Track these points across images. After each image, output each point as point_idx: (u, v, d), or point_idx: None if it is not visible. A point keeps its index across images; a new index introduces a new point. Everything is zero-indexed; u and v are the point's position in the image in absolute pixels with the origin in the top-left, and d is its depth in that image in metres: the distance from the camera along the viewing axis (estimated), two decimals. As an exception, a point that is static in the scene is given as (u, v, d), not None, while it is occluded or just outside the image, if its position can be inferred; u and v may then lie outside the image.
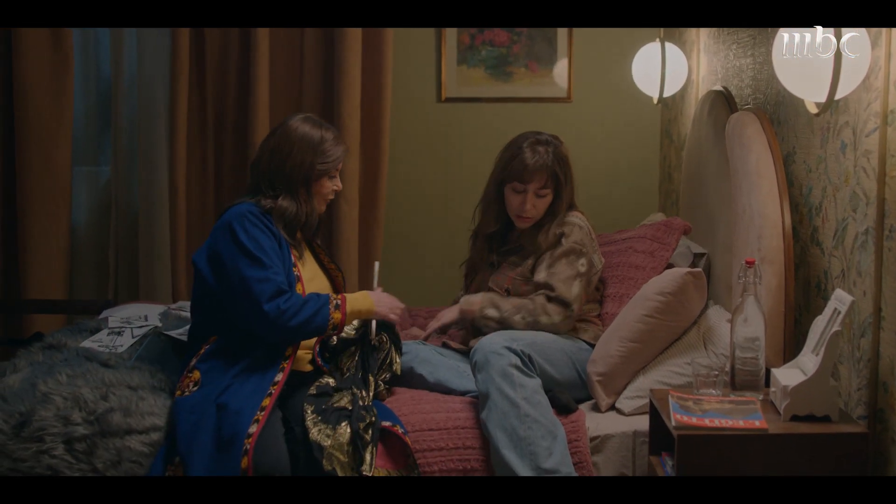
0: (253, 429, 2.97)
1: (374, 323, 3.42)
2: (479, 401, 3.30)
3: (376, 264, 3.68)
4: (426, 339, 3.74)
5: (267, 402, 3.06)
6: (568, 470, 3.16)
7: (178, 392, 3.17)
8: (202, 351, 3.25)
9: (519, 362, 3.29)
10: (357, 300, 3.33)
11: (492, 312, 3.58)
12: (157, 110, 5.16)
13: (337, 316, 3.24)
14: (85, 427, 3.05)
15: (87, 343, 3.67)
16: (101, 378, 3.22)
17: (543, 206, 3.68)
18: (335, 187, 3.43)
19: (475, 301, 3.62)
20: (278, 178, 3.32)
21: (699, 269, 3.46)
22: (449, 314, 3.69)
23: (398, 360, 3.46)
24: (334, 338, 3.45)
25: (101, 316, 4.10)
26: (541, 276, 3.61)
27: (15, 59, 4.92)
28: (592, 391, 3.46)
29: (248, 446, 2.93)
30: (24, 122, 4.95)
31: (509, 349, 3.30)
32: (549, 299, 3.56)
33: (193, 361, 3.23)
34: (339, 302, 3.26)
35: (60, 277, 5.09)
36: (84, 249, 5.37)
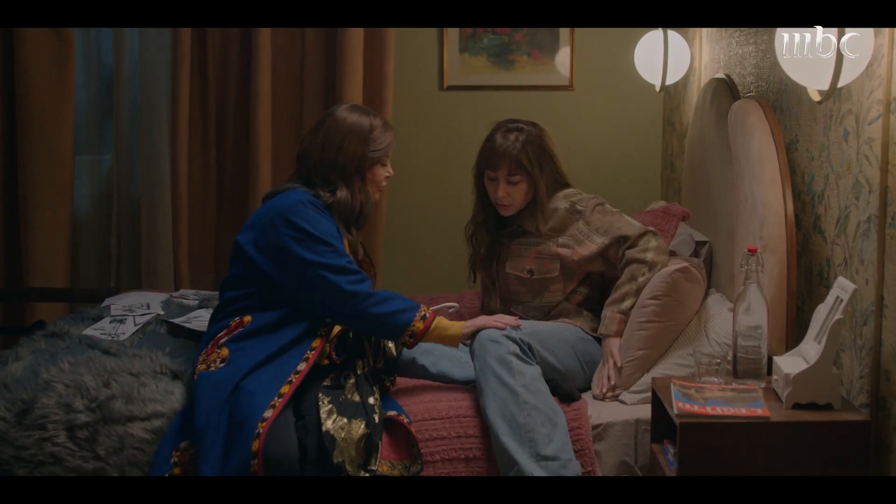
0: (268, 413, 2.97)
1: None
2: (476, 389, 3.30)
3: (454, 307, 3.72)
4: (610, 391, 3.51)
5: (286, 389, 3.05)
6: (568, 457, 3.16)
7: (203, 366, 3.16)
8: (234, 329, 3.22)
9: (518, 350, 3.28)
10: (444, 321, 3.30)
11: (627, 304, 3.51)
12: (159, 98, 5.16)
13: (419, 325, 3.22)
14: (87, 414, 3.05)
15: (89, 331, 3.67)
16: (102, 365, 3.22)
17: (519, 194, 3.65)
18: (387, 174, 3.42)
19: (613, 316, 3.51)
20: (332, 170, 3.29)
21: (686, 265, 3.44)
22: (615, 349, 3.49)
23: (390, 344, 3.45)
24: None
25: (104, 304, 4.10)
26: (596, 244, 3.60)
27: (17, 46, 4.92)
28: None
29: (261, 430, 2.93)
30: (25, 111, 4.95)
31: (508, 337, 3.29)
32: (633, 245, 3.57)
33: (224, 338, 3.21)
34: (427, 314, 3.24)
35: (62, 265, 5.09)
36: (86, 238, 5.37)
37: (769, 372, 3.02)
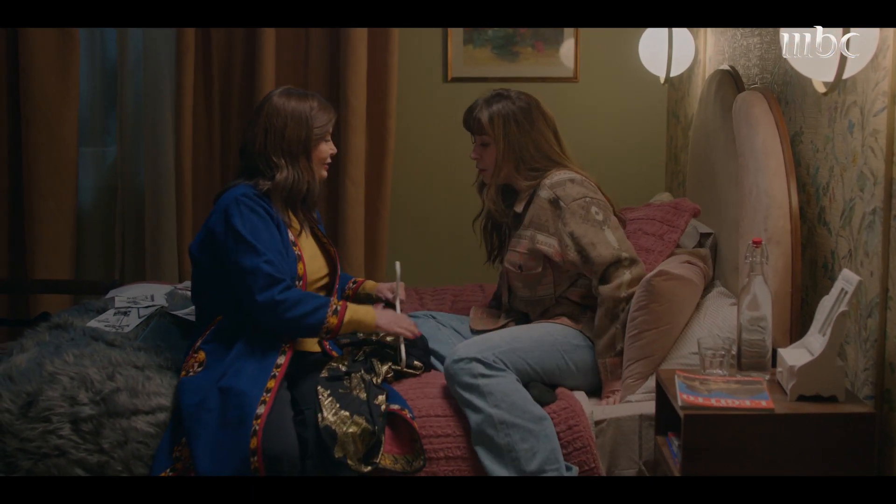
0: (261, 410, 2.98)
1: (402, 347, 3.41)
2: None
3: (397, 265, 3.68)
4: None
5: (272, 384, 3.06)
6: (555, 466, 3.14)
7: (184, 373, 3.18)
8: (207, 332, 3.26)
9: (483, 368, 3.21)
10: (359, 311, 3.29)
11: (620, 346, 3.40)
12: (163, 90, 5.16)
13: (333, 321, 3.21)
14: (91, 407, 3.05)
15: (93, 323, 3.67)
16: (107, 358, 3.23)
17: (489, 157, 3.60)
18: (331, 151, 3.44)
19: (613, 362, 3.41)
20: (277, 153, 3.32)
21: (663, 269, 3.39)
22: (615, 388, 3.42)
23: (403, 356, 3.45)
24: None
25: (108, 296, 4.11)
26: (572, 255, 3.46)
27: (20, 39, 4.92)
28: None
29: (258, 427, 2.94)
30: (29, 103, 4.95)
31: (471, 359, 3.23)
32: (605, 279, 3.43)
33: (198, 342, 3.25)
34: (338, 307, 3.23)
35: (67, 257, 5.10)
36: (90, 229, 5.38)
37: (774, 364, 3.02)
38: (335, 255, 3.53)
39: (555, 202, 3.52)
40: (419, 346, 3.51)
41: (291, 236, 3.33)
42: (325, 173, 3.45)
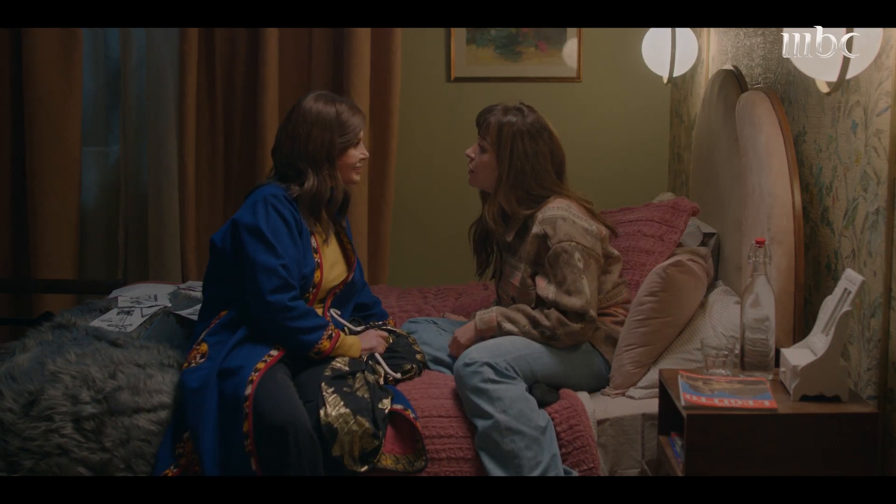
0: (254, 376, 3.04)
1: (381, 361, 3.40)
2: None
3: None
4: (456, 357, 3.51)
5: (261, 365, 3.09)
6: (554, 472, 3.14)
7: (186, 364, 3.20)
8: (213, 324, 3.27)
9: (493, 374, 3.21)
10: (347, 339, 3.33)
11: (510, 327, 3.42)
12: (166, 89, 5.16)
13: (326, 344, 3.24)
14: (93, 406, 3.06)
15: (96, 322, 3.68)
16: (109, 357, 3.23)
17: (483, 164, 3.54)
18: (361, 155, 3.45)
19: (490, 318, 3.45)
20: (301, 160, 3.34)
21: (680, 258, 3.40)
22: (466, 334, 3.50)
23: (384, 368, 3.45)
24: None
25: (111, 295, 4.11)
26: (544, 292, 3.42)
27: (24, 38, 4.93)
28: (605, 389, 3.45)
29: (254, 378, 3.02)
30: (33, 102, 4.96)
31: (483, 363, 3.22)
32: (564, 314, 3.38)
33: (203, 335, 3.26)
34: (332, 333, 3.26)
35: (70, 257, 5.10)
36: (93, 229, 5.38)
37: (777, 364, 3.02)
38: (354, 262, 3.54)
39: (542, 238, 3.44)
40: (404, 351, 3.51)
41: (315, 243, 3.35)
42: (356, 177, 3.46)
